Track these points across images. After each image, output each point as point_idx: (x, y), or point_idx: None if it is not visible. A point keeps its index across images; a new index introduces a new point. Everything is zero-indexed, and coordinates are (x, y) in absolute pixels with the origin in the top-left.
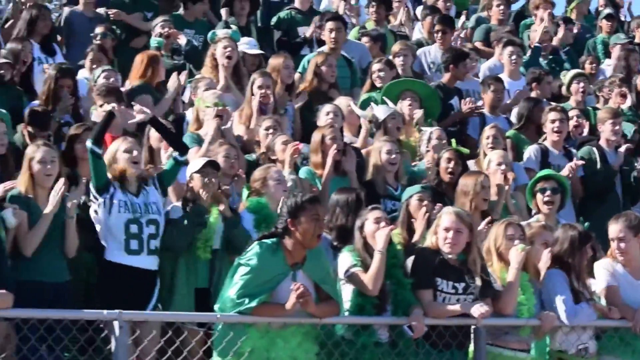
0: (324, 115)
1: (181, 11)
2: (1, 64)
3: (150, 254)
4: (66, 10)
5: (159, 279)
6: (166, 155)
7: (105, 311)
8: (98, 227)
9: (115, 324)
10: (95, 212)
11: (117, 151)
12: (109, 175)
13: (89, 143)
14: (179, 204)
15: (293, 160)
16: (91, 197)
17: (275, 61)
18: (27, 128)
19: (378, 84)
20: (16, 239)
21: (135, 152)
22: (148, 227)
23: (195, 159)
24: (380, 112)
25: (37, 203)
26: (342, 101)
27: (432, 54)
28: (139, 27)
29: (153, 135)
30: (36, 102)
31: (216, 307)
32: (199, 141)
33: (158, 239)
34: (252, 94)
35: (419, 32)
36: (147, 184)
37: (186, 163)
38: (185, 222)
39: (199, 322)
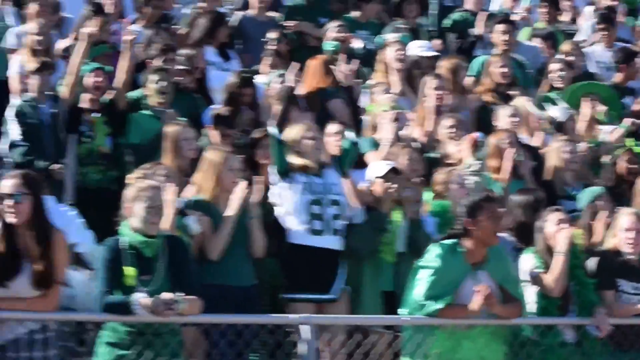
0: (503, 117)
1: (354, 13)
2: (179, 71)
3: (334, 234)
4: (238, 14)
5: (344, 260)
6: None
7: (295, 315)
8: (280, 211)
9: (305, 327)
10: (278, 196)
11: (300, 137)
12: (291, 160)
13: (271, 128)
14: (362, 207)
15: (473, 151)
16: (273, 180)
17: (448, 63)
18: (214, 131)
19: (558, 84)
20: (201, 243)
21: (317, 138)
22: (330, 208)
23: (377, 164)
24: (559, 113)
25: (220, 207)
26: (520, 102)
27: (598, 52)
28: (313, 35)
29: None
30: (215, 106)
31: (402, 310)
32: (376, 145)
33: (341, 219)
34: (425, 96)
35: (585, 32)
36: (327, 166)
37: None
38: (368, 227)
39: (386, 325)
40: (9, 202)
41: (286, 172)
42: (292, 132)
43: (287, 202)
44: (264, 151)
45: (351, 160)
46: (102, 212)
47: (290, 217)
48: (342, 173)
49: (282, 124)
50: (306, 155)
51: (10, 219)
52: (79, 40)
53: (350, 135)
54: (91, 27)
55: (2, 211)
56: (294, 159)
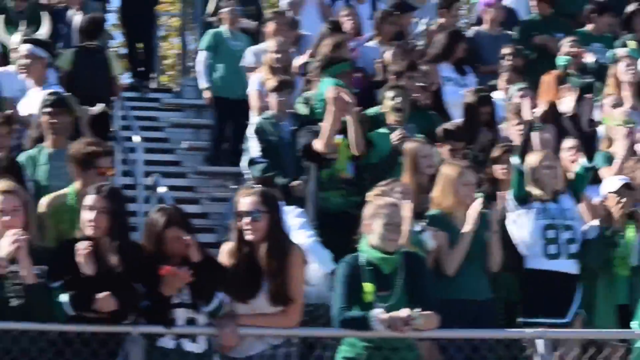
0: None
1: (588, 26)
2: (416, 88)
3: (569, 258)
4: (472, 30)
5: (579, 284)
6: (572, 161)
7: (530, 330)
8: (517, 237)
9: (540, 342)
10: (513, 222)
11: (538, 166)
12: (529, 189)
13: (514, 159)
14: (596, 223)
15: None
16: (510, 207)
17: None
18: (444, 146)
19: None
20: (437, 258)
21: (555, 167)
22: (565, 232)
23: (611, 179)
24: None
25: (456, 222)
26: None
27: None
28: (551, 49)
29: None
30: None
31: (634, 323)
32: (610, 160)
33: (576, 244)
34: None
35: None
36: (562, 192)
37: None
38: (601, 242)
39: (621, 339)
40: (247, 219)
41: (523, 199)
42: (531, 159)
43: (522, 227)
44: (503, 167)
45: (585, 185)
46: (342, 236)
47: (526, 242)
48: (577, 199)
49: (523, 154)
50: (543, 184)
51: (249, 236)
52: (329, 106)
53: (584, 161)
54: (338, 91)
55: (240, 229)
56: (531, 188)
